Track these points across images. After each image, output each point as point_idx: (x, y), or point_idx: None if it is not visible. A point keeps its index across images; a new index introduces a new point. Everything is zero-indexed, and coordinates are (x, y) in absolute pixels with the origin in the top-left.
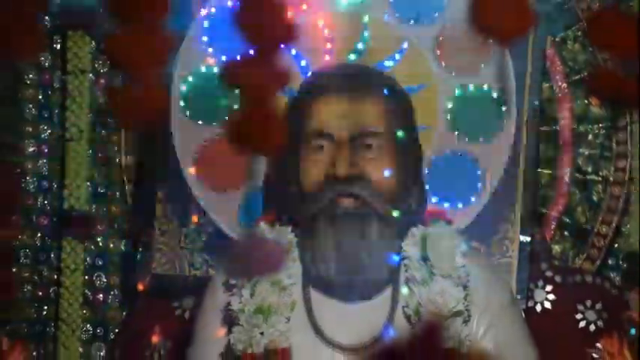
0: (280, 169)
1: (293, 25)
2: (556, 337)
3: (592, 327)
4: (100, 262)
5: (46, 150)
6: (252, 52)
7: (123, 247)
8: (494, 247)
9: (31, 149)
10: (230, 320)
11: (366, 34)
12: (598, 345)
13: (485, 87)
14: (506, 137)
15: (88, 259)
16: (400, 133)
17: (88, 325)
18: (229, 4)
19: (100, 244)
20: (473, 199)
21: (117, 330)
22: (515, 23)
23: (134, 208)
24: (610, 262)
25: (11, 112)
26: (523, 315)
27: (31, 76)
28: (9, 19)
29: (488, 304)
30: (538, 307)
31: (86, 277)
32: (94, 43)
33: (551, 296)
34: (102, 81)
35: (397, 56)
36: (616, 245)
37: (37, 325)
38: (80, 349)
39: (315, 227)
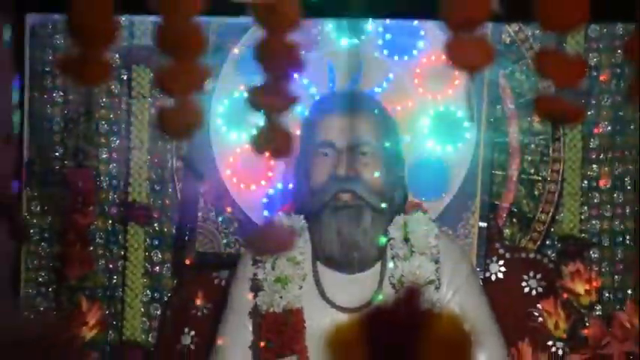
0: (295, 171)
1: (301, 60)
2: (506, 300)
3: (533, 292)
4: (157, 242)
5: (115, 156)
6: (270, 81)
7: (174, 231)
8: (459, 231)
9: (104, 156)
10: (256, 287)
11: (361, 67)
12: (538, 306)
13: (453, 107)
14: (468, 146)
15: (147, 239)
16: (387, 144)
17: (147, 291)
18: (255, 44)
19: (157, 228)
20: (443, 194)
21: (169, 294)
22: (479, 59)
23: (182, 200)
24: (547, 242)
25: (89, 127)
26: (481, 283)
27: (104, 99)
28: (85, 56)
29: (454, 274)
30: (493, 277)
31: (146, 254)
32: (152, 74)
33: (502, 269)
34: (158, 103)
35: (385, 84)
36: (552, 230)
37: (109, 290)
38: (141, 309)
39: (322, 216)
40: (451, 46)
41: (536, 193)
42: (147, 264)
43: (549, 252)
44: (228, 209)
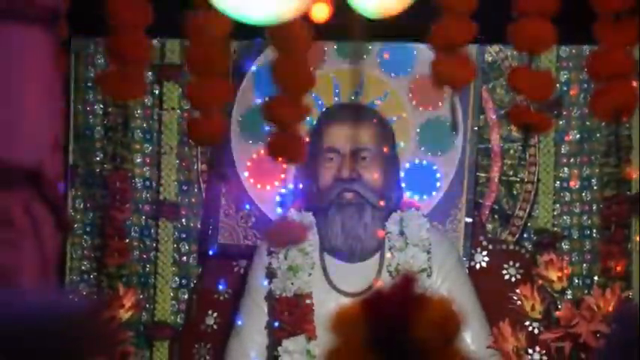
0: (304, 173)
1: (312, 77)
2: (489, 286)
3: (512, 279)
4: (184, 235)
5: (148, 160)
6: (283, 95)
7: (199, 225)
8: (447, 226)
9: (138, 160)
10: (271, 274)
11: (362, 83)
12: (517, 291)
13: (442, 118)
14: (455, 152)
15: (175, 233)
16: (384, 149)
17: (176, 278)
18: (270, 64)
19: (184, 223)
20: (433, 193)
21: (195, 281)
22: (464, 75)
23: (206, 199)
24: (525, 235)
25: (126, 135)
26: (467, 271)
27: (138, 111)
28: (122, 73)
29: (443, 263)
30: (477, 266)
31: (174, 246)
32: (180, 89)
33: (485, 259)
34: (185, 115)
35: (382, 98)
36: (528, 224)
37: (142, 277)
38: (171, 294)
39: (328, 212)
40: (438, 65)
41: (514, 192)
42: (175, 254)
43: (526, 244)
44: (247, 206)
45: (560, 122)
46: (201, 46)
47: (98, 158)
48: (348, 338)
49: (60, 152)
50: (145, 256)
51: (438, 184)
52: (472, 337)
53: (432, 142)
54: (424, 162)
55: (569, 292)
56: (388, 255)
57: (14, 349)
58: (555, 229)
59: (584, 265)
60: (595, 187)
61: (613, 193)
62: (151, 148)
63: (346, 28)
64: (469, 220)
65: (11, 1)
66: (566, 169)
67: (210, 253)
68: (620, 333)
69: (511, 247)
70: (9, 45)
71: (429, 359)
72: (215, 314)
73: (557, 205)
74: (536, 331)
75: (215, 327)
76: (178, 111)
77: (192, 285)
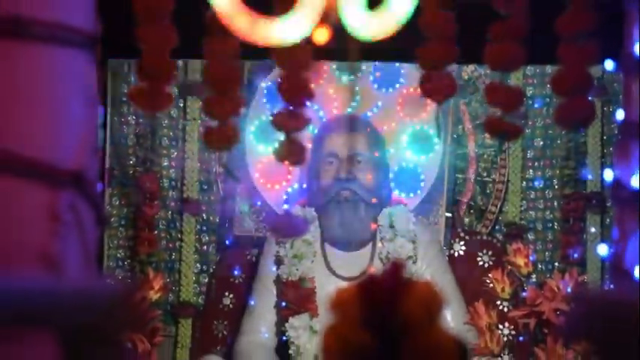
0: (307, 174)
1: (312, 92)
2: (466, 271)
3: (486, 265)
4: (204, 228)
5: (173, 164)
6: (289, 108)
7: (217, 219)
8: (430, 219)
9: (165, 163)
10: (278, 261)
11: (357, 97)
12: (489, 275)
13: (426, 127)
14: (437, 156)
15: (197, 226)
16: (376, 154)
17: (198, 264)
18: (277, 80)
19: (204, 217)
20: (418, 192)
21: (214, 267)
22: (447, 91)
23: (224, 196)
24: (496, 227)
25: (154, 142)
26: (447, 258)
27: (165, 121)
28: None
29: (427, 252)
30: (456, 254)
31: (196, 237)
32: (201, 103)
33: (463, 248)
34: (205, 124)
35: (375, 110)
36: (499, 218)
37: (169, 263)
38: (193, 278)
39: (328, 208)
40: (425, 82)
41: (487, 191)
42: (197, 244)
43: (497, 235)
44: (258, 203)
45: (527, 131)
46: (217, 66)
47: (131, 162)
48: (345, 316)
49: (99, 157)
50: (171, 246)
51: (422, 184)
52: (452, 315)
53: (417, 148)
54: (410, 165)
55: (533, 276)
56: (379, 245)
57: (65, 324)
58: (522, 222)
59: (547, 252)
60: (556, 187)
61: (571, 191)
62: (176, 153)
63: (343, 49)
64: (449, 214)
65: (58, 28)
66: (531, 171)
67: (227, 243)
68: (578, 311)
69: (484, 237)
70: (56, 66)
71: (416, 334)
72: (231, 295)
73: (524, 202)
74: (505, 309)
75: (231, 306)
76: (199, 121)
77: (211, 270)
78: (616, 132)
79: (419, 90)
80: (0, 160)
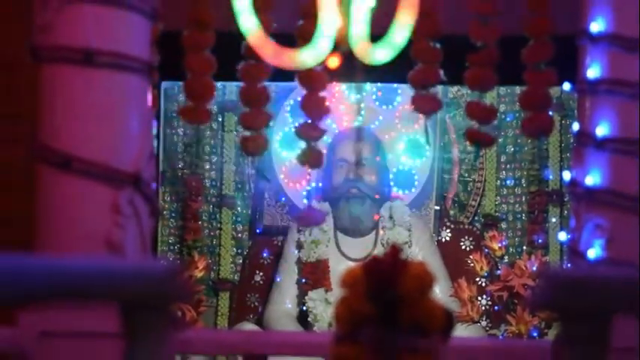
0: (323, 175)
1: (328, 108)
2: (451, 254)
3: (467, 249)
4: (239, 219)
5: (214, 167)
6: (308, 121)
7: (249, 212)
8: (422, 212)
9: (207, 167)
10: (299, 246)
11: (362, 112)
12: (470, 257)
13: (418, 137)
14: (428, 160)
15: (233, 217)
16: (378, 159)
17: (234, 248)
18: (298, 99)
19: (239, 210)
20: (412, 189)
21: (247, 251)
22: (434, 107)
23: (255, 194)
24: (476, 218)
25: (198, 150)
26: (436, 243)
27: (207, 133)
28: (196, 106)
29: (419, 238)
30: (443, 240)
31: (232, 226)
32: (236, 117)
33: (449, 235)
34: (240, 135)
35: (377, 123)
36: (478, 211)
37: (210, 247)
38: (230, 260)
39: (339, 203)
40: (416, 100)
41: (468, 188)
42: (233, 232)
43: (477, 224)
44: (282, 199)
45: (500, 140)
46: (249, 87)
47: (179, 166)
48: (353, 290)
49: (153, 162)
50: (212, 234)
51: (416, 183)
52: (440, 289)
53: (411, 153)
54: (406, 167)
55: (506, 257)
56: (381, 232)
57: (125, 296)
58: (497, 214)
59: (516, 238)
60: (524, 185)
61: (536, 189)
62: (216, 158)
63: (351, 73)
64: (437, 207)
65: (121, 57)
66: (504, 172)
67: (257, 231)
68: (543, 285)
69: (466, 226)
70: (120, 88)
71: (411, 305)
72: (261, 273)
73: (498, 197)
74: (483, 284)
75: (261, 282)
76: (235, 132)
77: (245, 253)
78: (572, 140)
79: (412, 106)
80: (74, 165)
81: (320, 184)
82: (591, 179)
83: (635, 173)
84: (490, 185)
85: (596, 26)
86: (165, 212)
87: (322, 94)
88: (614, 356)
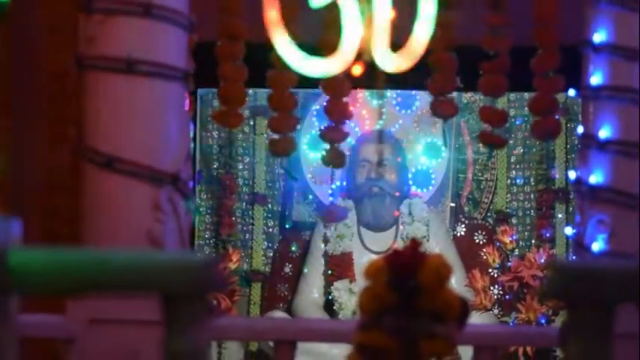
0: (347, 175)
1: (351, 113)
2: (466, 247)
3: (480, 242)
4: (270, 215)
5: (246, 167)
6: (332, 125)
7: (279, 209)
8: (439, 208)
9: (240, 167)
10: (326, 240)
11: (383, 116)
12: (483, 250)
13: (435, 139)
14: (444, 161)
15: (264, 213)
16: (398, 159)
17: (265, 242)
18: (324, 104)
19: (270, 207)
20: (430, 187)
21: (277, 244)
22: (450, 112)
23: (284, 192)
24: (488, 214)
25: (232, 151)
26: (452, 237)
27: (240, 136)
28: (229, 111)
29: (436, 232)
30: (458, 234)
31: (264, 222)
32: (266, 121)
33: (463, 229)
34: (270, 137)
35: (397, 126)
36: (491, 207)
37: (243, 242)
38: (262, 253)
39: (362, 200)
40: (434, 105)
41: (482, 187)
42: (264, 227)
43: (489, 220)
44: (310, 196)
45: (510, 142)
46: (278, 93)
47: (214, 166)
48: (375, 280)
49: (190, 162)
50: (245, 229)
51: (433, 181)
52: (455, 279)
53: (429, 154)
54: (424, 167)
55: (516, 250)
56: (401, 227)
57: (165, 285)
58: (507, 210)
59: (526, 233)
60: (532, 183)
61: (544, 187)
62: (248, 159)
63: (373, 80)
64: (453, 204)
65: (160, 66)
66: (514, 172)
67: (287, 226)
68: (550, 276)
69: (479, 222)
70: (159, 94)
71: (429, 294)
72: (290, 266)
73: (509, 195)
74: (495, 275)
75: (290, 274)
76: (265, 135)
77: (275, 247)
78: (577, 142)
79: (430, 111)
80: (117, 165)
81: (344, 183)
82: (594, 178)
83: (636, 173)
84: (501, 184)
85: (599, 37)
86: (201, 209)
87: (345, 99)
88: (617, 342)
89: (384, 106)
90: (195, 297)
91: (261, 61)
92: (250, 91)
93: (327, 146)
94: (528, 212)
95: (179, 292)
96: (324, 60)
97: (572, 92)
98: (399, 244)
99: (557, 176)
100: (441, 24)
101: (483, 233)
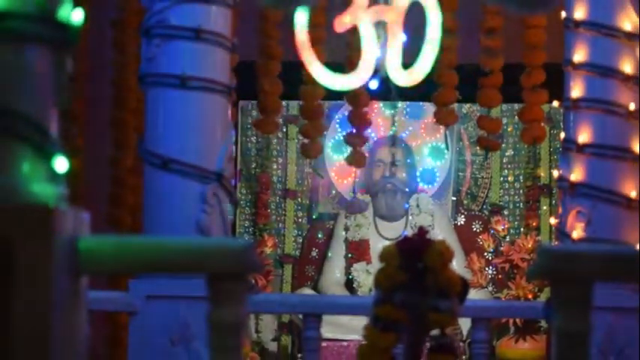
0: (365, 174)
1: (370, 121)
2: (465, 234)
3: (477, 230)
4: (299, 207)
5: (280, 167)
6: (354, 131)
7: (308, 202)
8: (442, 201)
9: (274, 167)
10: (346, 229)
11: (395, 124)
12: (480, 236)
13: (439, 143)
14: (446, 162)
15: (295, 206)
16: (408, 161)
17: (295, 230)
18: (346, 113)
19: (299, 200)
20: (434, 184)
21: (305, 232)
22: (452, 120)
23: (312, 187)
24: (484, 207)
25: (268, 154)
26: (453, 226)
27: (274, 140)
28: (266, 119)
29: (440, 222)
30: (458, 223)
31: (294, 213)
32: (298, 128)
33: (463, 219)
34: (301, 142)
35: (407, 132)
36: (486, 201)
37: (276, 230)
38: (293, 239)
39: (378, 195)
40: (438, 115)
41: (478, 183)
42: (295, 218)
43: (485, 211)
44: (333, 192)
45: (503, 145)
46: (308, 104)
47: (253, 166)
48: (389, 262)
49: (232, 163)
50: (278, 219)
51: (437, 179)
52: (456, 261)
53: (433, 156)
54: (429, 167)
55: (507, 237)
56: (410, 218)
57: (212, 267)
58: (501, 203)
59: (516, 222)
60: (521, 181)
61: (531, 183)
62: (281, 160)
63: (387, 92)
64: (454, 198)
65: (208, 82)
66: (506, 171)
67: (314, 217)
68: (537, 258)
69: (476, 213)
70: (206, 105)
71: (435, 274)
72: (317, 250)
73: (501, 190)
74: (490, 258)
75: (316, 257)
76: (296, 140)
77: (304, 234)
78: (559, 146)
79: (434, 119)
80: (171, 166)
81: (363, 180)
82: (574, 176)
83: (609, 171)
84: (495, 181)
85: (578, 57)
86: (241, 202)
87: (365, 109)
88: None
89: (396, 115)
90: (237, 276)
91: (294, 77)
92: (284, 102)
93: (350, 149)
94: (518, 205)
95: (223, 272)
96: (346, 76)
97: (555, 104)
98: (409, 232)
99: (542, 174)
100: (445, 46)
101: (480, 223)
